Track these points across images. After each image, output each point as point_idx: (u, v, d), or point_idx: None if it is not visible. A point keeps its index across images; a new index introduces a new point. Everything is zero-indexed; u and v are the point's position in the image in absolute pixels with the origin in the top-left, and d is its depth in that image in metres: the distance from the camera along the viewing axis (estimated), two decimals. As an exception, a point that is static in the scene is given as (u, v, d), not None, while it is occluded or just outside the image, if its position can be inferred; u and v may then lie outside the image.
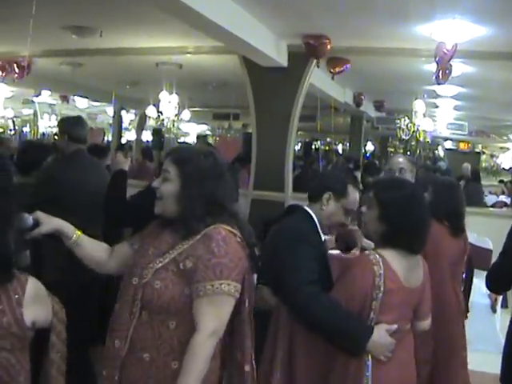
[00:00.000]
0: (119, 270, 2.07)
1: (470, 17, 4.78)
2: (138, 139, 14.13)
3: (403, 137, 9.35)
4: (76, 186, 3.15)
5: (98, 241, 2.10)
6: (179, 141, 14.57)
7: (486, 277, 2.53)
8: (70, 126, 3.38)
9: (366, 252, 2.22)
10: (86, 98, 12.52)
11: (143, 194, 2.83)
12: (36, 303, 1.71)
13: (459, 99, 9.79)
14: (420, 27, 5.27)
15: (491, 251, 5.21)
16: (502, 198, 11.05)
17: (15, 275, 1.67)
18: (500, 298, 5.21)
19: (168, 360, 1.74)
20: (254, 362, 1.90)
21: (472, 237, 5.25)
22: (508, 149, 18.87)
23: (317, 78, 7.11)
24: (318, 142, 14.92)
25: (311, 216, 2.47)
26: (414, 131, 8.93)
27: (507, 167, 18.45)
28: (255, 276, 2.17)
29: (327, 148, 18.41)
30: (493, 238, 5.34)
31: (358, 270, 2.16)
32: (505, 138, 17.78)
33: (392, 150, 17.19)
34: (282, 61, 6.37)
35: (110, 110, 13.42)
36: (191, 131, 18.88)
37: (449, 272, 3.06)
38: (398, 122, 9.39)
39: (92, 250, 2.03)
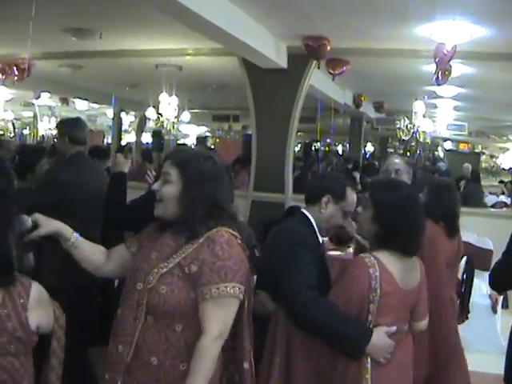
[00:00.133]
0: (116, 273, 2.08)
1: (469, 18, 4.78)
2: (138, 141, 14.15)
3: (403, 137, 9.34)
4: (77, 189, 3.14)
5: (95, 244, 2.09)
6: (179, 142, 14.55)
7: (489, 275, 2.53)
8: (71, 127, 3.36)
9: (362, 255, 2.20)
10: (86, 100, 12.53)
11: (144, 198, 2.83)
12: (40, 308, 1.71)
13: (459, 100, 9.80)
14: (420, 28, 5.27)
15: (492, 251, 5.22)
16: (502, 198, 11.05)
17: (18, 279, 1.67)
18: (500, 298, 5.22)
19: (176, 363, 1.75)
20: (252, 359, 1.90)
21: (472, 237, 5.28)
22: (508, 149, 18.88)
23: (316, 79, 7.11)
24: (318, 144, 14.92)
25: (309, 219, 2.47)
26: (413, 132, 8.92)
27: (507, 167, 18.45)
28: (255, 278, 2.16)
29: (327, 149, 18.42)
30: (493, 238, 5.35)
31: (353, 273, 2.16)
32: (504, 138, 17.81)
33: (392, 150, 17.21)
34: (282, 62, 6.38)
35: (110, 112, 13.43)
36: (191, 133, 18.90)
37: (445, 273, 3.06)
38: (398, 122, 9.38)
39: (90, 252, 2.03)
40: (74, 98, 12.41)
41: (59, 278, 2.83)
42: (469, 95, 9.16)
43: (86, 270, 2.05)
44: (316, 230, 2.46)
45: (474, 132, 15.90)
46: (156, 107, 9.36)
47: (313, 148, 15.64)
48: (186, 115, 11.00)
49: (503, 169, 18.92)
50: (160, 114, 9.19)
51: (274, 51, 6.10)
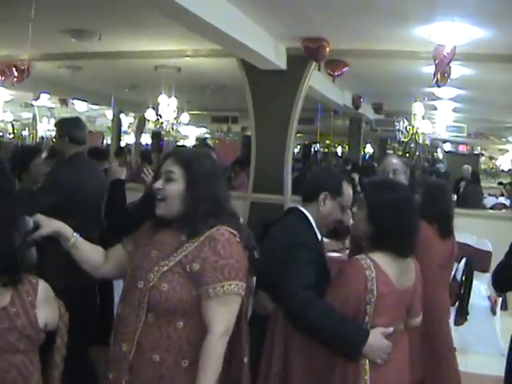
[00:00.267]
0: (114, 274, 2.09)
1: (469, 19, 4.78)
2: (137, 142, 14.15)
3: (402, 139, 9.35)
4: (76, 190, 3.14)
5: (94, 244, 2.09)
6: (178, 144, 14.56)
7: (492, 276, 2.54)
8: (71, 127, 3.34)
9: (357, 256, 2.19)
10: (85, 101, 12.54)
11: (142, 200, 2.83)
12: (47, 305, 1.74)
13: (458, 101, 9.80)
14: (419, 29, 5.27)
15: (491, 253, 5.21)
16: (501, 199, 11.07)
17: (25, 277, 1.70)
18: (500, 300, 5.21)
19: (178, 359, 1.76)
20: (248, 355, 1.90)
21: (471, 239, 5.28)
22: (507, 151, 18.89)
23: (316, 80, 7.11)
24: (317, 145, 14.94)
25: (307, 217, 2.46)
26: (413, 133, 8.92)
27: (506, 169, 18.47)
28: (254, 279, 2.16)
29: (326, 150, 18.43)
30: (492, 240, 5.34)
31: (350, 275, 2.15)
32: (504, 140, 17.81)
33: (391, 152, 17.21)
34: (281, 64, 6.37)
35: (109, 114, 13.43)
36: (190, 134, 18.90)
37: (438, 274, 3.06)
38: (397, 124, 9.38)
39: (89, 253, 2.04)
40: (74, 99, 12.41)
41: (60, 279, 2.83)
42: (468, 97, 9.17)
43: (85, 270, 2.05)
44: (315, 228, 2.46)
45: (473, 133, 15.91)
46: (155, 108, 9.36)
47: (312, 149, 15.66)
48: (185, 116, 10.99)
49: (502, 170, 18.94)
50: (159, 116, 9.20)
51: (273, 52, 6.10)
